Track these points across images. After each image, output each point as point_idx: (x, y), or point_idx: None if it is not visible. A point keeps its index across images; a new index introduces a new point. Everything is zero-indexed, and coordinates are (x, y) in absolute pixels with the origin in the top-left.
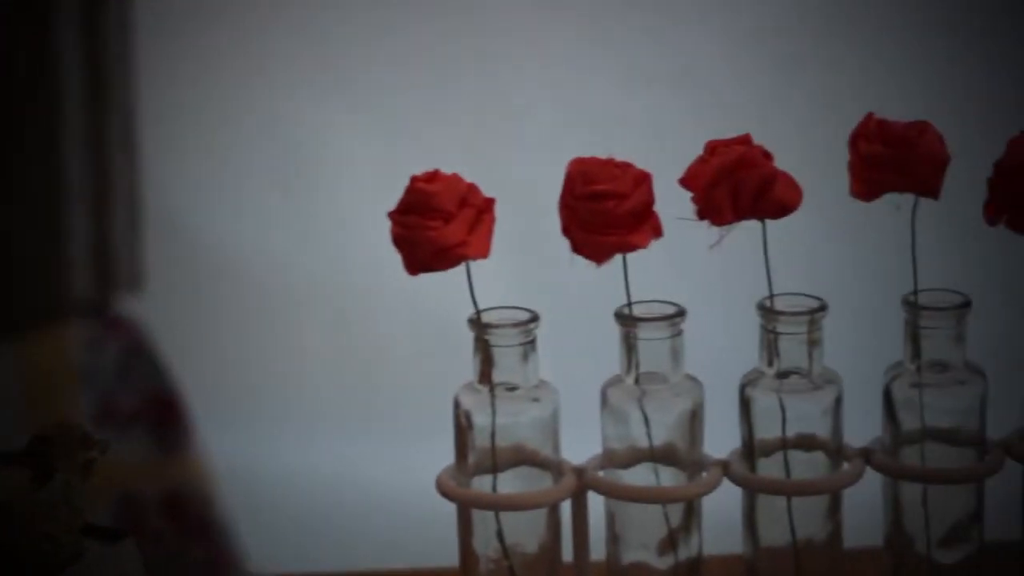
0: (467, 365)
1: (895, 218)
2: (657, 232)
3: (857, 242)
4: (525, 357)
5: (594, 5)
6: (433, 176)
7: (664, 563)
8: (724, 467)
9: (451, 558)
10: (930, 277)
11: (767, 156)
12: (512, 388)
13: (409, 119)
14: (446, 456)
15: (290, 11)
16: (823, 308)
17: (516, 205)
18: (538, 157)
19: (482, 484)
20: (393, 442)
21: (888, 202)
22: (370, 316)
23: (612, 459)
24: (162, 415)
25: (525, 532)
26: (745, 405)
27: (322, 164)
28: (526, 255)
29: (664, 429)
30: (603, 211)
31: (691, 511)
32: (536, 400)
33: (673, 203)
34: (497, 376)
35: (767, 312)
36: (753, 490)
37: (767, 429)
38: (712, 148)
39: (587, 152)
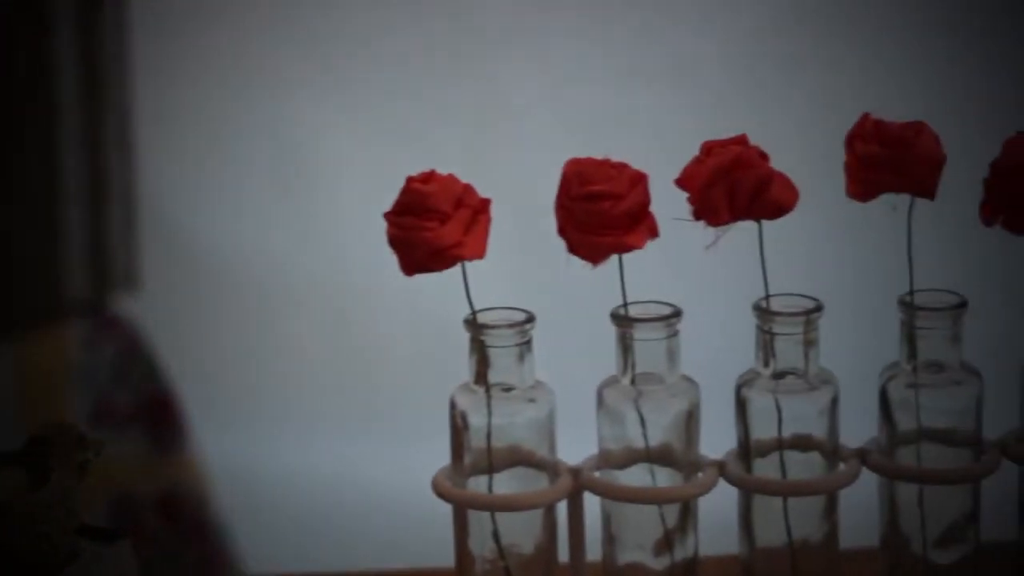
0: (467, 365)
1: (891, 218)
2: (653, 232)
3: (853, 243)
4: (521, 358)
5: (593, 4)
6: (429, 177)
7: (660, 564)
8: (720, 467)
9: (450, 558)
10: (926, 277)
11: (763, 156)
12: (508, 389)
13: (407, 120)
14: (445, 456)
15: (288, 11)
16: (819, 309)
17: (513, 206)
18: (535, 158)
19: (478, 485)
20: (393, 442)
21: (884, 202)
22: (370, 316)
23: (608, 460)
24: (158, 415)
25: (521, 533)
26: (741, 405)
27: (320, 164)
28: (522, 256)
29: (660, 430)
30: (599, 212)
31: (687, 512)
32: (532, 401)
33: (670, 204)
34: (493, 377)
35: (763, 313)
36: (749, 490)
37: (763, 429)
38: (708, 148)
39: (585, 152)
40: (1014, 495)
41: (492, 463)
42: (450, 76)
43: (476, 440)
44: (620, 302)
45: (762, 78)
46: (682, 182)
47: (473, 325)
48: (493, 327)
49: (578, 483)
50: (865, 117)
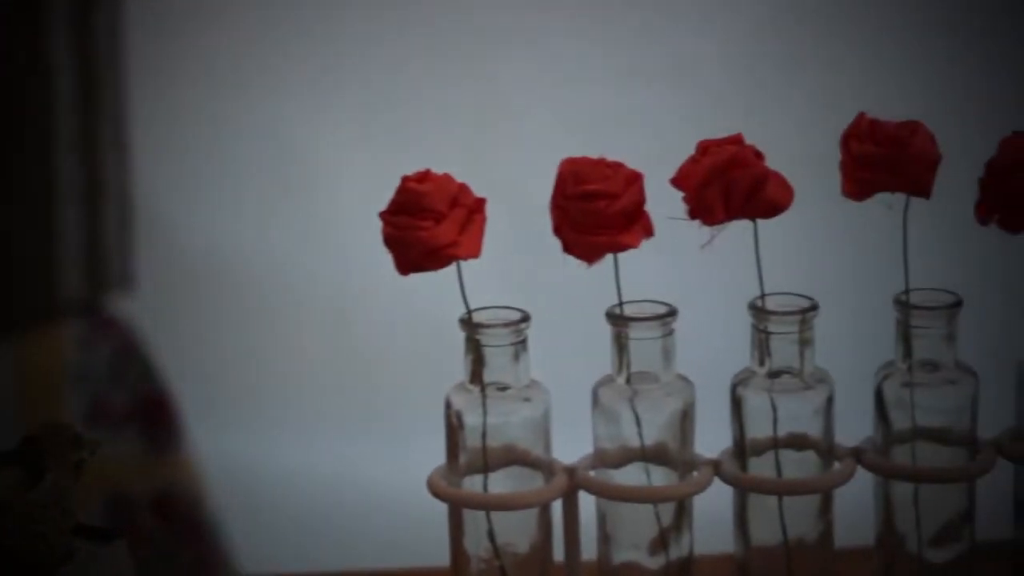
0: (463, 365)
1: (887, 218)
2: (648, 232)
3: (849, 242)
4: (516, 357)
5: (591, 4)
6: (424, 176)
7: (655, 563)
8: (715, 466)
9: (447, 558)
10: (922, 277)
11: (759, 156)
12: (503, 388)
13: (406, 120)
14: (442, 456)
15: (285, 13)
16: (814, 308)
17: (508, 205)
18: (530, 157)
19: (473, 484)
20: (393, 442)
21: (880, 202)
22: (369, 316)
23: (603, 459)
24: (154, 415)
25: (516, 532)
26: (736, 404)
27: (318, 164)
28: (518, 255)
29: (655, 429)
30: (594, 211)
31: (682, 511)
32: (527, 400)
33: (666, 203)
34: (488, 376)
35: (758, 312)
36: (744, 489)
37: (758, 428)
38: (704, 148)
39: (581, 152)
40: (1009, 494)
41: (487, 462)
42: (448, 77)
43: (471, 439)
44: (615, 301)
45: (761, 78)
46: (678, 181)
47: (468, 324)
48: (488, 326)
49: (573, 482)
50: (860, 116)
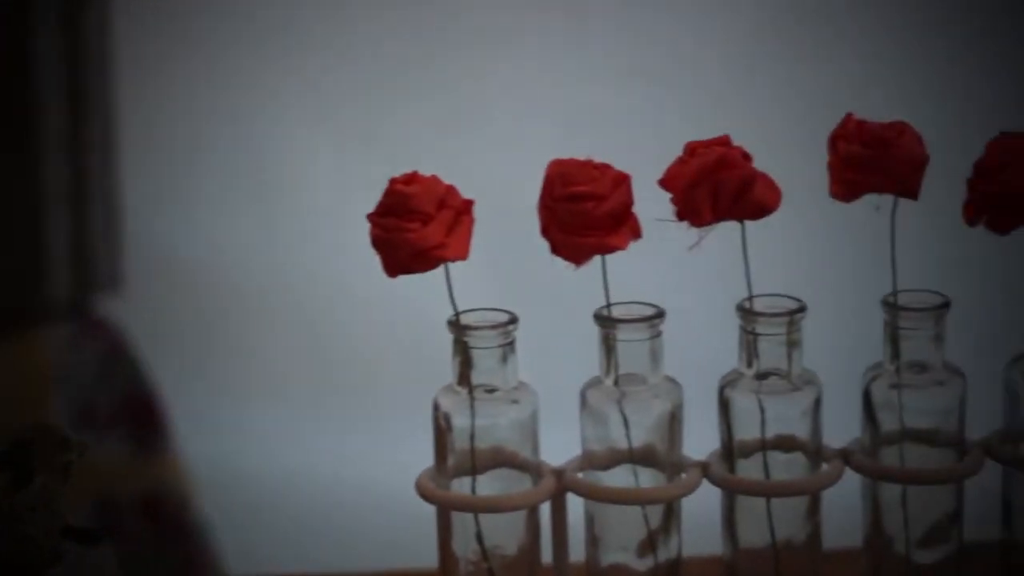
0: (450, 366)
1: (875, 219)
2: (636, 233)
3: (837, 243)
4: (504, 359)
5: (583, 4)
6: (411, 178)
7: (644, 565)
8: (703, 468)
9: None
10: (909, 278)
11: (747, 157)
12: (491, 390)
13: (390, 121)
14: (430, 458)
15: (275, 15)
16: (802, 309)
17: (496, 207)
18: (518, 158)
19: (462, 486)
20: (392, 442)
21: (868, 203)
22: (362, 317)
23: (591, 461)
24: (141, 417)
25: (505, 534)
26: (724, 406)
27: (306, 166)
28: (506, 257)
29: (643, 431)
30: (582, 212)
31: (670, 512)
32: (515, 402)
33: (655, 204)
34: (476, 378)
35: (746, 313)
36: (732, 491)
37: (746, 430)
38: (692, 149)
39: (570, 153)
40: (997, 495)
41: (475, 464)
42: (431, 77)
43: (459, 441)
44: (603, 303)
45: (759, 78)
46: (665, 183)
47: (456, 326)
48: (476, 328)
49: (561, 484)
50: (848, 117)
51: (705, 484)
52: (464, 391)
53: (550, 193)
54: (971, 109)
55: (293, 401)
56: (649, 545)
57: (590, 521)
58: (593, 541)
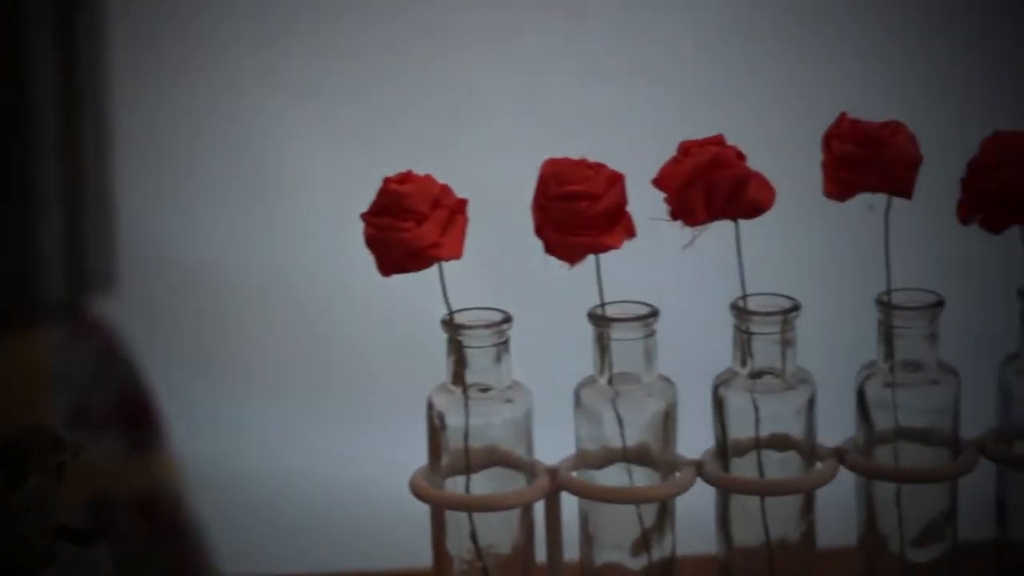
0: (444, 365)
1: (869, 218)
2: (630, 233)
3: (831, 242)
4: (498, 358)
5: (575, 3)
6: (406, 177)
7: (638, 563)
8: (697, 467)
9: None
10: (904, 277)
11: (740, 156)
12: (485, 389)
13: (383, 120)
14: (424, 457)
15: (270, 16)
16: (796, 308)
17: (490, 206)
18: (512, 158)
19: (455, 485)
20: (392, 441)
21: (862, 202)
22: (369, 315)
23: (585, 460)
24: (136, 417)
25: (499, 533)
26: (718, 405)
27: (302, 165)
28: (500, 256)
29: (637, 429)
30: (576, 212)
31: (665, 511)
32: (509, 401)
33: (652, 203)
34: (470, 377)
35: (740, 312)
36: (726, 490)
37: (740, 429)
38: (685, 148)
39: (564, 153)
40: (991, 494)
41: (469, 463)
42: (428, 78)
43: (453, 440)
44: (597, 302)
45: (758, 78)
46: (659, 182)
47: (450, 326)
48: (470, 327)
49: (555, 483)
50: (842, 116)
51: (699, 483)
52: (458, 390)
53: (544, 192)
54: (970, 109)
55: (292, 401)
56: (643, 544)
57: (584, 520)
58: (587, 540)
